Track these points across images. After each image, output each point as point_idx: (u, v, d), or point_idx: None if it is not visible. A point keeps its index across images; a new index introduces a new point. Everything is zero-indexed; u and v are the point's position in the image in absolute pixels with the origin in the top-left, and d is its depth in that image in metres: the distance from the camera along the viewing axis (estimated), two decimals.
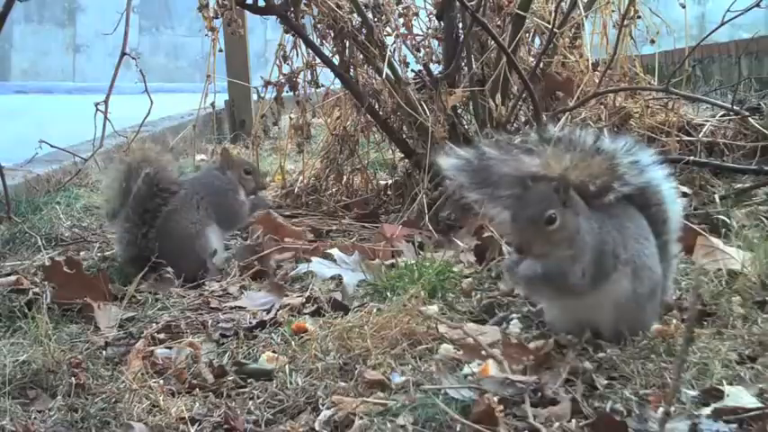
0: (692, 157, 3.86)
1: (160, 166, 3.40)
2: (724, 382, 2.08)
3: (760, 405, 1.97)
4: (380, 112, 4.07)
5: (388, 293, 2.80)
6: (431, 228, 3.59)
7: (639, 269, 2.32)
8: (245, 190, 3.57)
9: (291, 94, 4.28)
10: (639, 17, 4.16)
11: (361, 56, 3.98)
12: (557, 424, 1.96)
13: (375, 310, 2.57)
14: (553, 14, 3.77)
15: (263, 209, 3.74)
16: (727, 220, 3.26)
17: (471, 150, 2.43)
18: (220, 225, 3.46)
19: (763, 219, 3.35)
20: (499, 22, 4.06)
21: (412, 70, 4.11)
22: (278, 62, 4.17)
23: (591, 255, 2.28)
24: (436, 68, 4.11)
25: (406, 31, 4.09)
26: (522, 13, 3.90)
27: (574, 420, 1.98)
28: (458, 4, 3.85)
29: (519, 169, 2.34)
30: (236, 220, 3.60)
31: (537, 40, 4.34)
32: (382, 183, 4.42)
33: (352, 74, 4.00)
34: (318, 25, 4.01)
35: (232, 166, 3.58)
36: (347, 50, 4.01)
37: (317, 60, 4.10)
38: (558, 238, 2.27)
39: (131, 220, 3.33)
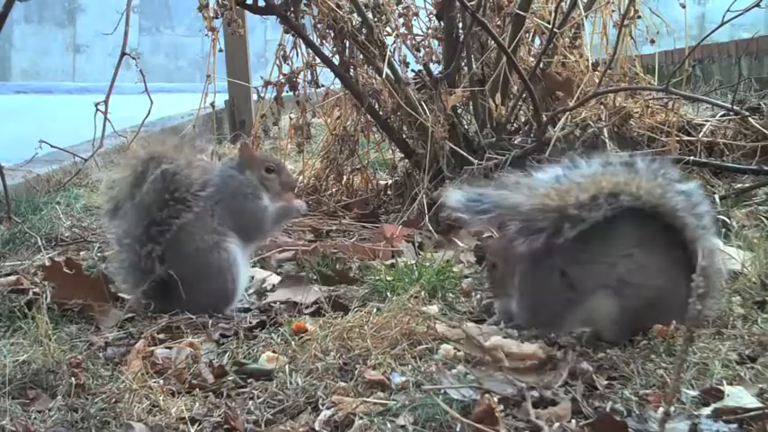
0: (692, 157, 3.86)
1: (179, 166, 2.87)
2: (724, 382, 2.08)
3: (760, 405, 1.97)
4: (380, 112, 4.07)
5: (388, 293, 2.79)
6: (431, 228, 3.59)
7: (621, 287, 2.32)
8: (268, 193, 2.96)
9: (291, 94, 4.28)
10: (639, 17, 4.16)
11: (361, 56, 3.98)
12: (557, 424, 1.96)
13: (375, 310, 2.57)
14: (553, 14, 3.77)
15: (293, 216, 3.18)
16: (727, 220, 3.26)
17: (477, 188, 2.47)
18: (240, 237, 2.89)
19: (763, 219, 3.35)
20: (499, 22, 4.07)
21: (412, 70, 4.11)
22: (278, 62, 4.17)
23: (531, 297, 2.43)
24: (436, 68, 4.11)
25: (406, 31, 4.09)
26: (522, 13, 3.90)
27: (574, 420, 1.98)
28: (458, 4, 3.85)
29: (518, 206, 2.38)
30: (258, 230, 2.97)
31: (537, 40, 4.35)
32: (382, 183, 4.42)
33: (352, 74, 4.00)
34: (318, 25, 4.01)
35: (251, 163, 2.97)
36: (347, 50, 4.01)
37: (317, 60, 4.10)
38: (502, 283, 2.50)
39: (132, 234, 2.82)
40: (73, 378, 2.27)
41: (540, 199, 2.32)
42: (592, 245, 2.33)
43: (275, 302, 2.91)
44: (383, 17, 3.99)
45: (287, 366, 2.30)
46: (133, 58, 3.82)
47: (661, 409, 1.89)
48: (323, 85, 4.30)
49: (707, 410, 1.96)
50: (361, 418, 2.02)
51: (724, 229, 3.16)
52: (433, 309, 2.65)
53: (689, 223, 2.35)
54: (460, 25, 4.07)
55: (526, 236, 2.31)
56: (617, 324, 2.34)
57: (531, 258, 2.36)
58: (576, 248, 2.32)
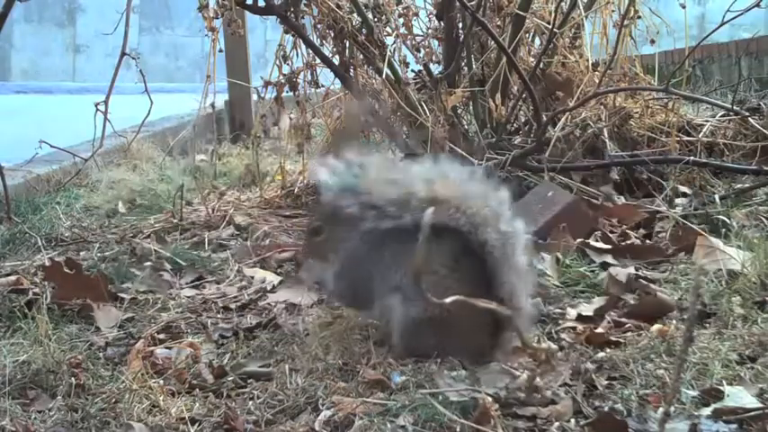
0: (692, 158, 3.86)
1: None
2: (724, 383, 2.08)
3: (760, 405, 1.97)
4: (380, 112, 4.07)
5: None
6: None
7: (410, 299, 2.28)
8: None
9: (291, 94, 4.28)
10: (639, 17, 4.16)
11: (361, 56, 3.98)
12: (557, 424, 1.96)
13: None
14: (553, 14, 3.77)
15: None
16: (727, 220, 3.26)
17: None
18: None
19: (763, 219, 3.35)
20: (499, 22, 4.07)
21: (412, 70, 4.11)
22: (278, 62, 4.17)
23: (345, 276, 2.43)
24: (436, 68, 4.12)
25: (406, 31, 4.09)
26: (521, 13, 3.90)
27: (573, 420, 1.98)
28: (458, 4, 3.85)
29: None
30: None
31: (537, 40, 4.35)
32: None
33: (352, 74, 4.00)
34: (318, 25, 4.01)
35: None
36: (347, 50, 4.01)
37: (317, 60, 4.10)
38: (321, 250, 2.49)
39: None
40: (73, 378, 2.28)
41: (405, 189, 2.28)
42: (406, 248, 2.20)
43: (275, 302, 2.91)
44: (383, 17, 3.99)
45: (287, 366, 2.31)
46: (133, 58, 3.82)
47: (661, 410, 1.89)
48: (323, 86, 4.30)
49: (707, 410, 1.96)
50: (361, 418, 2.02)
51: (724, 229, 3.16)
52: None
53: (498, 263, 2.26)
54: (460, 25, 4.07)
55: (375, 218, 2.29)
56: (400, 332, 2.30)
57: (365, 237, 2.34)
58: (400, 247, 2.27)
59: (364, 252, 2.38)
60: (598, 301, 2.67)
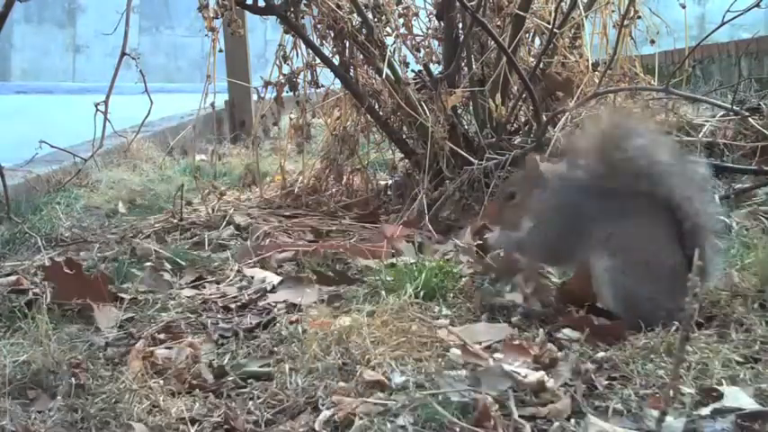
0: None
1: None
2: (723, 382, 2.08)
3: (759, 405, 1.97)
4: (380, 112, 4.07)
5: (384, 294, 2.78)
6: (431, 228, 3.59)
7: (618, 250, 2.43)
8: None
9: (291, 94, 4.28)
10: (639, 17, 4.16)
11: (361, 56, 3.98)
12: (557, 424, 1.96)
13: (367, 313, 2.56)
14: (553, 14, 3.77)
15: None
16: (727, 221, 3.26)
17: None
18: None
19: (763, 219, 3.35)
20: (499, 23, 4.07)
21: (412, 70, 4.11)
22: (278, 62, 4.17)
23: (553, 228, 2.55)
24: (436, 69, 4.12)
25: (406, 31, 4.10)
26: (521, 13, 3.90)
27: (573, 420, 1.98)
28: (458, 4, 3.85)
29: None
30: None
31: (537, 40, 4.35)
32: (382, 183, 4.42)
33: (352, 74, 4.00)
34: (318, 25, 4.01)
35: None
36: (347, 50, 4.01)
37: (317, 60, 4.10)
38: (518, 212, 2.63)
39: None
40: (73, 378, 2.27)
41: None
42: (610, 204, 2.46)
43: (275, 302, 2.91)
44: (383, 17, 3.99)
45: (287, 366, 2.30)
46: (133, 59, 3.81)
47: (660, 410, 1.89)
48: (323, 86, 4.30)
49: (706, 410, 1.96)
50: (361, 418, 2.02)
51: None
52: (445, 322, 2.60)
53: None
54: (460, 25, 4.07)
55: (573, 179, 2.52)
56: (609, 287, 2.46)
57: (560, 193, 2.53)
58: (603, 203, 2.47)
59: (566, 207, 2.53)
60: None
